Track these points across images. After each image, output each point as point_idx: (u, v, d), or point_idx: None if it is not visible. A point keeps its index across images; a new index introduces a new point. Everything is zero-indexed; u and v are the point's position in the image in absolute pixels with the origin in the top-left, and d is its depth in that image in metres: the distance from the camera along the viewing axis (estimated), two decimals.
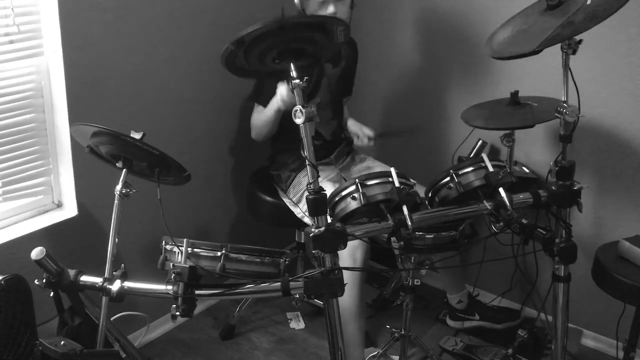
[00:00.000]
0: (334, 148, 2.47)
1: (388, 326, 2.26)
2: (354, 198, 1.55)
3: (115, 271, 1.61)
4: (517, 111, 2.05)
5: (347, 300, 2.03)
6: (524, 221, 1.76)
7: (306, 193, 1.46)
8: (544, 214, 1.79)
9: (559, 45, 1.61)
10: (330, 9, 2.18)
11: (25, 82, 2.00)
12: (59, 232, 2.09)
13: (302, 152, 1.45)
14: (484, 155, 1.66)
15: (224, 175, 2.73)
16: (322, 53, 1.54)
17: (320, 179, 1.49)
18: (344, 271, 1.49)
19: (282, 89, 2.13)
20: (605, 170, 2.33)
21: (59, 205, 2.18)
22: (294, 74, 1.43)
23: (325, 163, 2.42)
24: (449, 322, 2.58)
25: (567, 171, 1.71)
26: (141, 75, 2.24)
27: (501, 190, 1.59)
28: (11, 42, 1.93)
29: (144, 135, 1.62)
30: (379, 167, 2.45)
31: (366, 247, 2.09)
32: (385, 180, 1.57)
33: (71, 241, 2.13)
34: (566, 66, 1.65)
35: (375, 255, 2.89)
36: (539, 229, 1.76)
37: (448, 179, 1.65)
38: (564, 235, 1.74)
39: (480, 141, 2.46)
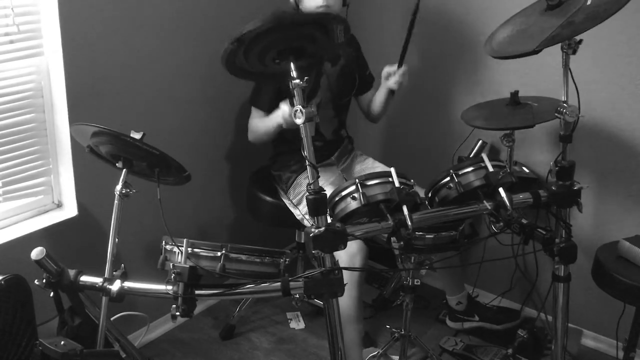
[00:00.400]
0: (336, 148, 2.47)
1: (388, 326, 2.26)
2: (354, 198, 1.55)
3: (115, 271, 1.61)
4: (517, 111, 2.05)
5: (346, 302, 2.03)
6: (524, 221, 1.76)
7: (306, 194, 1.46)
8: (544, 214, 1.79)
9: (559, 45, 1.61)
10: (320, 1, 2.17)
11: (25, 82, 2.00)
12: (59, 232, 2.09)
13: (302, 152, 1.45)
14: (484, 155, 1.66)
15: (224, 175, 2.73)
16: (322, 53, 1.54)
17: (321, 182, 1.48)
18: (343, 273, 1.49)
19: (285, 108, 2.12)
20: (605, 170, 2.33)
21: (59, 205, 2.18)
22: (294, 73, 1.43)
23: (327, 164, 2.41)
24: (449, 323, 2.58)
25: (567, 171, 1.71)
26: (141, 75, 2.24)
27: (501, 190, 1.59)
28: (11, 42, 1.93)
29: (144, 135, 1.62)
30: (379, 167, 2.45)
31: (365, 254, 2.09)
32: (385, 180, 1.57)
33: (71, 241, 2.13)
34: (566, 66, 1.65)
35: (375, 255, 2.89)
36: (539, 229, 1.76)
37: (448, 179, 1.65)
38: (564, 235, 1.74)
39: (480, 141, 2.46)
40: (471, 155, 2.47)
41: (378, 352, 2.27)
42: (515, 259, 1.92)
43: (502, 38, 1.76)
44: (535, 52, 1.56)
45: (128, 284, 1.57)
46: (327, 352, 1.59)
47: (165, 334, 2.53)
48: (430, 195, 1.71)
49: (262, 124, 2.31)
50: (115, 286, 1.56)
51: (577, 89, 1.72)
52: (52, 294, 1.58)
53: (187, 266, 1.49)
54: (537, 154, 2.47)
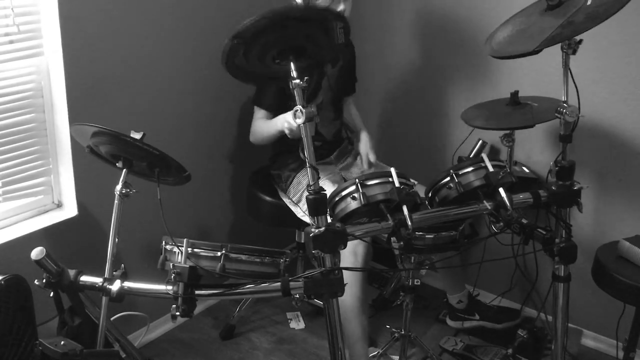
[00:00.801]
0: (335, 148, 2.47)
1: (388, 326, 2.26)
2: (354, 198, 1.55)
3: (115, 271, 1.61)
4: (517, 111, 2.05)
5: (349, 298, 2.03)
6: (524, 221, 1.76)
7: (306, 193, 1.46)
8: (544, 214, 1.79)
9: (559, 45, 1.61)
10: (340, 7, 2.19)
11: (25, 82, 2.00)
12: (59, 232, 2.09)
13: (302, 153, 1.45)
14: (484, 155, 1.66)
15: (224, 175, 2.73)
16: (322, 53, 1.54)
17: (320, 179, 1.48)
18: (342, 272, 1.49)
19: (290, 121, 2.11)
20: (605, 170, 2.33)
21: (59, 205, 2.18)
22: (294, 73, 1.43)
23: (325, 163, 2.42)
24: (449, 322, 2.58)
25: (567, 171, 1.71)
26: (141, 75, 2.24)
27: (501, 190, 1.59)
28: (11, 42, 1.93)
29: (144, 135, 1.62)
30: (380, 167, 2.45)
31: (367, 245, 2.09)
32: (385, 180, 1.57)
33: (71, 241, 2.13)
34: (566, 66, 1.65)
35: (375, 255, 2.89)
36: (539, 229, 1.76)
37: (448, 179, 1.65)
38: (564, 235, 1.74)
39: (480, 141, 2.46)
40: (471, 155, 2.47)
41: (378, 352, 2.27)
42: (515, 259, 1.91)
43: (502, 38, 1.76)
44: (535, 52, 1.56)
45: (128, 284, 1.57)
46: (327, 352, 1.59)
47: (165, 334, 2.53)
48: (430, 195, 1.71)
49: (265, 127, 2.29)
50: (115, 286, 1.56)
51: (577, 89, 1.72)
52: (52, 294, 1.58)
53: (187, 266, 1.49)
54: (537, 154, 2.47)
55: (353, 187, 1.56)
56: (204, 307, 2.69)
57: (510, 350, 2.30)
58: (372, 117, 2.85)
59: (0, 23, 1.88)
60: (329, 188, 1.53)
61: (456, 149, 2.50)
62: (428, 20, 2.68)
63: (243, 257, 1.67)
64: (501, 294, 2.67)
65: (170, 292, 1.48)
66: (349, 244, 1.50)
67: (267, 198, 2.43)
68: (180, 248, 1.62)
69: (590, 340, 2.52)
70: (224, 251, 1.66)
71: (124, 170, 1.67)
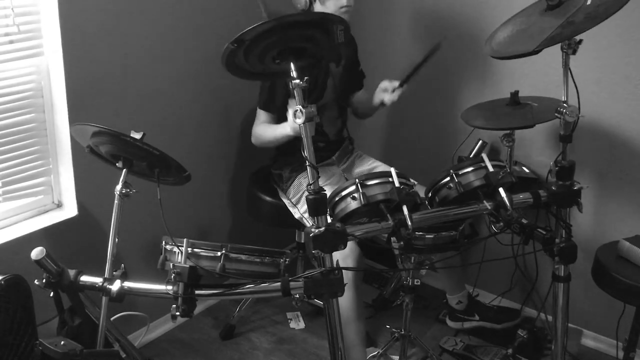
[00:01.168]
0: (337, 148, 2.47)
1: (388, 326, 2.26)
2: (354, 198, 1.55)
3: (115, 271, 1.61)
4: (517, 111, 2.05)
5: (345, 303, 2.03)
6: (524, 221, 1.76)
7: (306, 194, 1.46)
8: (544, 214, 1.79)
9: (559, 45, 1.61)
10: (343, 1, 2.19)
11: (25, 82, 2.00)
12: (59, 232, 2.09)
13: (302, 153, 1.45)
14: (484, 155, 1.66)
15: (224, 175, 2.73)
16: (322, 53, 1.54)
17: (320, 182, 1.48)
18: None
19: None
20: (605, 170, 2.33)
21: (59, 205, 2.18)
22: (294, 73, 1.43)
23: (327, 164, 2.41)
24: (449, 322, 2.58)
25: (567, 171, 1.71)
26: (141, 75, 2.24)
27: (501, 190, 1.59)
28: (11, 42, 1.93)
29: (144, 135, 1.62)
30: (381, 167, 2.45)
31: (357, 255, 2.09)
32: (385, 180, 1.57)
33: (71, 241, 2.13)
34: (566, 66, 1.65)
35: (375, 255, 2.89)
36: (539, 229, 1.76)
37: (448, 179, 1.65)
38: (564, 235, 1.74)
39: (480, 141, 2.46)
40: (471, 155, 2.47)
41: (378, 352, 2.27)
42: (515, 259, 1.92)
43: (502, 38, 1.76)
44: (535, 52, 1.56)
45: (128, 284, 1.57)
46: (327, 352, 1.59)
47: (165, 334, 2.53)
48: (430, 195, 1.71)
49: (270, 131, 2.28)
50: (115, 286, 1.56)
51: (577, 89, 1.72)
52: (52, 294, 1.58)
53: (187, 266, 1.49)
54: (537, 154, 2.47)
55: (353, 187, 1.56)
56: (204, 307, 2.69)
57: (510, 350, 2.30)
58: (372, 117, 2.85)
59: (0, 23, 1.88)
60: (329, 192, 1.53)
61: (456, 149, 2.50)
62: (428, 20, 2.68)
63: (243, 257, 1.67)
64: (501, 294, 2.67)
65: (170, 292, 1.48)
66: (338, 258, 1.49)
67: (267, 198, 2.43)
68: (180, 248, 1.62)
69: (590, 340, 2.52)
70: (224, 251, 1.66)
71: (124, 170, 1.67)
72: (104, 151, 1.72)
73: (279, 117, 2.27)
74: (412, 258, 1.93)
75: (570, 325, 2.01)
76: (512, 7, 1.88)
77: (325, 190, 1.48)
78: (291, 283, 1.47)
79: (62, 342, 1.41)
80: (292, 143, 2.34)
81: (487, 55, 1.76)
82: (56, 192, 2.17)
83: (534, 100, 2.06)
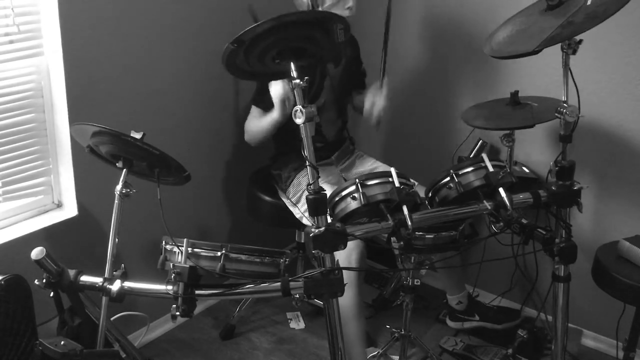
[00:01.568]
0: (337, 148, 2.47)
1: (388, 326, 2.26)
2: (354, 198, 1.55)
3: (115, 271, 1.61)
4: (517, 111, 2.05)
5: (346, 301, 2.03)
6: (524, 221, 1.76)
7: (305, 193, 1.46)
8: (544, 214, 1.79)
9: (559, 45, 1.61)
10: (350, 3, 2.20)
11: (25, 82, 2.00)
12: (59, 232, 2.09)
13: (302, 152, 1.45)
14: (484, 155, 1.66)
15: (224, 175, 2.73)
16: (322, 53, 1.54)
17: (320, 181, 1.48)
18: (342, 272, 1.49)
19: (277, 87, 2.10)
20: (605, 170, 2.33)
21: (59, 205, 2.18)
22: (294, 73, 1.43)
23: (326, 164, 2.42)
24: (449, 322, 2.58)
25: (567, 171, 1.71)
26: (141, 75, 2.24)
27: (501, 190, 1.59)
28: (11, 42, 1.93)
29: (144, 135, 1.62)
30: (381, 167, 2.45)
31: (361, 249, 2.09)
32: (385, 180, 1.57)
33: (71, 241, 2.13)
34: (566, 66, 1.65)
35: (375, 255, 2.89)
36: (539, 229, 1.76)
37: (448, 179, 1.65)
38: (564, 235, 1.74)
39: (480, 141, 2.46)
40: (471, 155, 2.47)
41: (378, 352, 2.27)
42: (515, 259, 1.92)
43: (502, 38, 1.76)
44: (535, 52, 1.56)
45: (128, 284, 1.57)
46: (327, 352, 1.59)
47: (165, 334, 2.53)
48: (430, 195, 1.71)
49: (259, 121, 2.29)
50: (115, 286, 1.56)
51: (577, 89, 1.72)
52: (52, 294, 1.58)
53: (187, 266, 1.49)
54: (537, 154, 2.47)
55: (353, 187, 1.56)
56: (204, 307, 2.69)
57: (510, 350, 2.30)
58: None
59: (0, 23, 1.88)
60: (328, 191, 1.53)
61: (456, 149, 2.50)
62: (428, 20, 2.68)
63: (243, 257, 1.67)
64: (501, 294, 2.67)
65: (170, 292, 1.48)
66: (342, 252, 1.49)
67: (267, 198, 2.43)
68: (180, 248, 1.62)
69: (590, 340, 2.52)
70: (224, 251, 1.66)
71: (124, 170, 1.67)
72: (104, 151, 1.72)
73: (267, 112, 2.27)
74: (412, 258, 1.93)
75: (570, 325, 2.00)
76: (512, 7, 1.88)
77: (325, 190, 1.48)
78: (291, 283, 1.47)
79: (62, 342, 1.41)
80: (292, 143, 2.34)
81: (487, 55, 1.76)
82: (56, 192, 2.17)
83: (534, 100, 2.06)
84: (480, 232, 2.48)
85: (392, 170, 1.58)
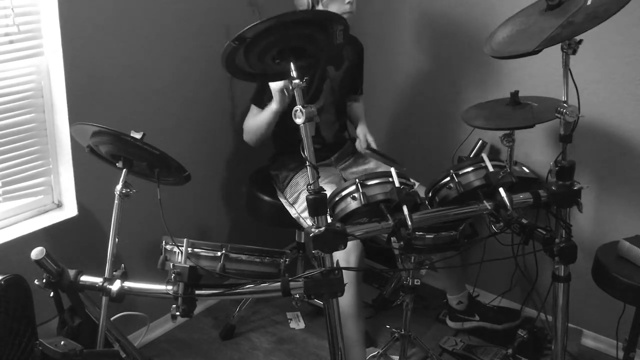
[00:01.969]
0: (336, 150, 2.47)
1: (388, 326, 2.26)
2: (354, 198, 1.55)
3: (115, 271, 1.61)
4: (517, 111, 2.05)
5: (345, 301, 2.03)
6: (524, 221, 1.76)
7: (303, 194, 1.46)
8: (544, 214, 1.79)
9: (559, 45, 1.61)
10: (346, 7, 2.20)
11: (25, 82, 2.00)
12: (59, 232, 2.09)
13: (302, 153, 1.45)
14: (484, 155, 1.66)
15: (224, 175, 2.73)
16: (322, 53, 1.54)
17: (319, 181, 1.48)
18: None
19: (276, 84, 2.10)
20: (605, 170, 2.33)
21: (59, 205, 2.18)
22: (294, 73, 1.43)
23: (324, 165, 2.41)
24: (449, 322, 2.58)
25: (567, 171, 1.71)
26: (141, 75, 2.24)
27: (501, 190, 1.59)
28: (11, 42, 1.93)
29: (144, 135, 1.62)
30: (381, 168, 2.45)
31: (360, 250, 2.09)
32: (385, 180, 1.57)
33: (71, 241, 2.13)
34: (566, 66, 1.65)
35: (375, 255, 2.89)
36: (539, 229, 1.76)
37: (448, 179, 1.65)
38: (564, 235, 1.74)
39: (480, 141, 2.46)
40: (471, 155, 2.47)
41: (378, 352, 2.27)
42: (515, 259, 1.91)
43: (502, 38, 1.76)
44: (535, 52, 1.56)
45: (128, 284, 1.57)
46: (327, 352, 1.59)
47: (165, 334, 2.53)
48: (430, 195, 1.71)
49: (257, 118, 2.27)
50: (115, 286, 1.56)
51: (577, 89, 1.72)
52: (52, 294, 1.58)
53: (187, 266, 1.49)
54: (537, 154, 2.47)
55: (353, 187, 1.56)
56: (204, 307, 2.69)
57: (510, 350, 2.30)
58: (373, 117, 2.85)
59: (0, 23, 1.88)
60: (327, 192, 1.53)
61: (456, 149, 2.50)
62: (428, 20, 2.68)
63: (243, 257, 1.67)
64: (501, 294, 2.67)
65: (170, 292, 1.48)
66: (341, 254, 1.49)
67: (267, 198, 2.43)
68: (180, 248, 1.62)
69: (590, 340, 2.52)
70: (224, 251, 1.66)
71: (124, 170, 1.67)
72: (104, 151, 1.72)
73: None
74: (412, 258, 1.93)
75: (570, 325, 2.00)
76: (512, 7, 1.88)
77: (324, 190, 1.48)
78: (291, 283, 1.47)
79: (62, 342, 1.41)
80: (290, 143, 2.34)
81: (487, 55, 1.76)
82: (56, 192, 2.17)
83: (534, 100, 2.06)
84: (480, 232, 2.48)
85: (392, 170, 1.58)
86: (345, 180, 2.31)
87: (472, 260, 2.67)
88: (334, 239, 1.45)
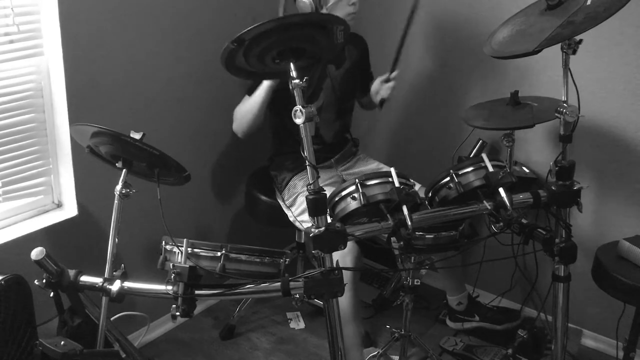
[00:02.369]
0: (337, 151, 2.46)
1: (388, 326, 2.26)
2: (354, 198, 1.55)
3: (115, 271, 1.61)
4: (517, 111, 2.05)
5: (343, 303, 2.02)
6: (524, 221, 1.76)
7: (300, 197, 1.46)
8: (544, 214, 1.79)
9: (559, 45, 1.61)
10: (350, 9, 2.20)
11: (25, 82, 2.00)
12: (59, 232, 2.09)
13: (302, 153, 1.45)
14: (484, 155, 1.66)
15: (224, 175, 2.73)
16: (322, 53, 1.54)
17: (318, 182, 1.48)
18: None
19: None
20: (605, 170, 2.33)
21: (59, 205, 2.18)
22: (293, 74, 1.43)
23: (325, 167, 2.41)
24: (449, 323, 2.58)
25: (567, 171, 1.71)
26: (141, 75, 2.24)
27: (501, 190, 1.59)
28: (11, 42, 1.93)
29: (143, 135, 1.62)
30: (382, 168, 2.45)
31: (356, 252, 2.09)
32: (385, 180, 1.57)
33: (71, 241, 2.13)
34: (566, 66, 1.65)
35: (375, 255, 2.89)
36: (539, 229, 1.76)
37: (448, 179, 1.65)
38: (564, 235, 1.74)
39: (480, 141, 2.46)
40: (471, 155, 2.47)
41: (378, 352, 2.27)
42: (515, 259, 1.92)
43: (502, 38, 1.76)
44: (535, 52, 1.56)
45: (128, 284, 1.57)
46: (327, 352, 1.59)
47: (165, 334, 2.53)
48: (430, 195, 1.71)
49: (248, 101, 2.23)
50: (115, 286, 1.56)
51: (577, 89, 1.72)
52: (52, 294, 1.58)
53: (187, 266, 1.49)
54: (537, 154, 2.47)
55: (353, 187, 1.56)
56: (204, 307, 2.69)
57: (510, 350, 2.30)
58: (373, 118, 2.85)
59: (0, 23, 1.88)
60: (327, 192, 1.53)
61: (456, 149, 2.50)
62: (428, 20, 2.68)
63: (243, 257, 1.68)
64: (501, 294, 2.67)
65: (170, 292, 1.48)
66: (337, 256, 1.49)
67: (265, 198, 2.43)
68: (180, 248, 1.63)
69: (590, 340, 2.52)
70: (224, 251, 1.66)
71: (124, 170, 1.67)
72: (103, 151, 1.72)
73: None
74: (412, 258, 1.93)
75: (570, 325, 2.01)
76: (512, 7, 1.88)
77: (324, 190, 1.48)
78: (291, 283, 1.47)
79: (62, 342, 1.41)
80: (289, 143, 2.34)
81: (487, 55, 1.76)
82: (56, 192, 2.17)
83: (534, 100, 2.06)
84: (480, 232, 2.48)
85: (392, 170, 1.58)
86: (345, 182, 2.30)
87: (472, 260, 2.67)
88: (333, 239, 1.45)
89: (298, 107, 1.42)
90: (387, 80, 2.33)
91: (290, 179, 2.35)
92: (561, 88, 1.68)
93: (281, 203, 2.37)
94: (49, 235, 2.07)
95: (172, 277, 1.48)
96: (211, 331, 2.58)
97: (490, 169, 1.62)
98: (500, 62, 2.36)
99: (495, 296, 2.69)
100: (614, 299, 1.95)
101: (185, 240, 1.62)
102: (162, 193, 1.63)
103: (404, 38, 2.24)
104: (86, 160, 1.93)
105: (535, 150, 2.47)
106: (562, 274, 1.80)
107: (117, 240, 1.65)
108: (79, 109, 2.04)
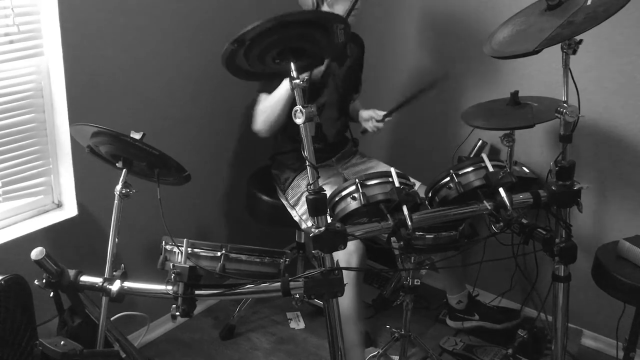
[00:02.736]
0: (338, 150, 2.46)
1: (388, 326, 2.26)
2: (354, 198, 1.55)
3: (115, 271, 1.61)
4: (517, 111, 2.05)
5: (345, 303, 2.03)
6: (524, 221, 1.76)
7: (304, 197, 1.46)
8: (544, 214, 1.79)
9: (559, 45, 1.61)
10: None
11: (25, 82, 2.00)
12: (59, 232, 2.09)
13: (302, 152, 1.45)
14: (484, 155, 1.66)
15: (224, 175, 2.73)
16: (322, 53, 1.54)
17: (319, 182, 1.48)
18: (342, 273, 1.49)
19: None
20: (605, 170, 2.33)
21: (59, 205, 2.18)
22: (294, 74, 1.43)
23: (326, 165, 2.41)
24: (449, 322, 2.58)
25: (567, 171, 1.71)
26: (141, 75, 2.24)
27: (501, 190, 1.59)
28: (11, 42, 1.93)
29: (143, 135, 1.62)
30: (382, 168, 2.45)
31: (362, 253, 2.08)
32: (385, 180, 1.57)
33: (71, 241, 2.13)
34: (566, 66, 1.65)
35: (375, 255, 2.89)
36: (539, 229, 1.76)
37: (448, 179, 1.65)
38: (564, 235, 1.74)
39: (480, 141, 2.46)
40: (471, 155, 2.47)
41: (378, 352, 2.27)
42: (515, 259, 1.92)
43: (502, 38, 1.76)
44: (535, 52, 1.56)
45: (128, 284, 1.57)
46: (327, 352, 1.59)
47: (165, 334, 2.53)
48: (430, 195, 1.71)
49: (271, 97, 2.17)
50: (115, 286, 1.56)
51: (577, 89, 1.72)
52: (52, 294, 1.58)
53: (187, 266, 1.49)
54: (537, 154, 2.47)
55: (353, 187, 1.56)
56: (204, 307, 2.69)
57: (510, 350, 2.30)
58: None
59: (0, 23, 1.88)
60: (328, 192, 1.53)
61: (456, 149, 2.50)
62: (428, 20, 2.68)
63: (243, 257, 1.68)
64: (501, 294, 2.67)
65: (170, 292, 1.49)
66: (343, 254, 1.49)
67: (266, 198, 2.43)
68: (180, 248, 1.63)
69: (590, 340, 2.52)
70: (224, 251, 1.66)
71: (124, 170, 1.67)
72: (103, 151, 1.72)
73: None
74: (412, 258, 1.93)
75: (570, 325, 2.00)
76: (512, 7, 1.88)
77: (324, 190, 1.48)
78: (291, 283, 1.47)
79: (62, 342, 1.41)
80: (290, 142, 2.34)
81: (487, 55, 1.76)
82: (56, 192, 2.17)
83: (534, 100, 2.06)
84: (480, 232, 2.48)
85: (392, 170, 1.58)
86: (346, 181, 2.30)
87: (472, 260, 2.67)
88: (333, 239, 1.45)
89: (298, 107, 1.42)
90: (379, 119, 2.36)
91: (294, 178, 2.35)
92: (561, 88, 1.68)
93: (284, 202, 2.36)
94: (49, 235, 2.07)
95: (172, 277, 1.49)
96: (211, 331, 2.58)
97: (490, 169, 1.62)
98: (500, 62, 2.36)
99: (496, 296, 2.69)
100: (614, 299, 1.95)
101: (185, 240, 1.62)
102: (162, 193, 1.63)
103: (412, 99, 2.27)
104: (86, 160, 1.93)
105: (535, 150, 2.47)
106: (562, 274, 1.80)
107: (117, 240, 1.65)
108: (79, 109, 2.04)
